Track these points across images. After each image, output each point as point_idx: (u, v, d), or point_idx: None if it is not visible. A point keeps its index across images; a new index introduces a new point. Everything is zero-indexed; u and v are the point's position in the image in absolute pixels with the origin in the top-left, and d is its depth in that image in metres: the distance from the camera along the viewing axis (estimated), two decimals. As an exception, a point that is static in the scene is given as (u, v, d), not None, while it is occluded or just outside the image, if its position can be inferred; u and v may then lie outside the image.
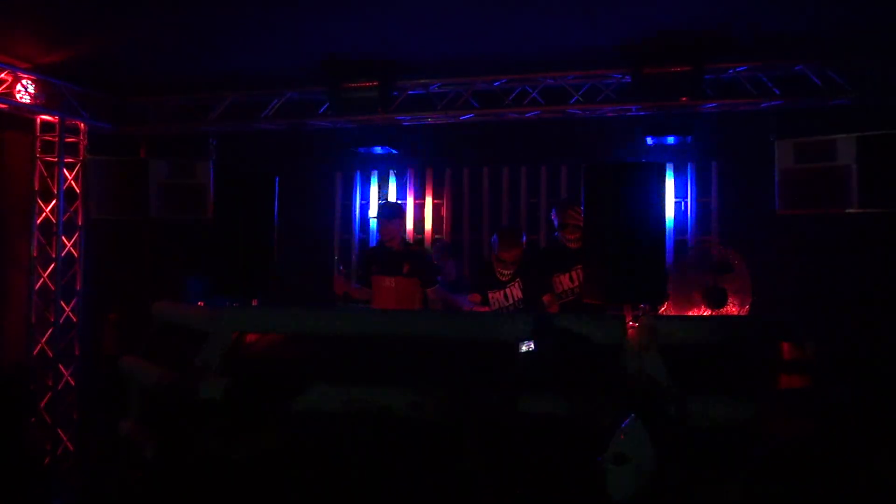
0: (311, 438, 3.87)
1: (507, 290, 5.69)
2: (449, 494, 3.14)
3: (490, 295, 5.72)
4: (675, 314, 4.81)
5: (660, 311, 4.71)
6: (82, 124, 7.60)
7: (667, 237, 5.53)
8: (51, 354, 7.37)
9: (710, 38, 6.12)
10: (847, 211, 6.07)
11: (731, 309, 4.77)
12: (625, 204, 4.55)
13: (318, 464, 3.63)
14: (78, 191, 7.65)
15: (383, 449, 3.37)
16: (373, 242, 7.72)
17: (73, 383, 7.53)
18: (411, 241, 6.39)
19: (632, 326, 4.35)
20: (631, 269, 4.41)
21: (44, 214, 7.40)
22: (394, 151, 7.66)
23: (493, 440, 3.22)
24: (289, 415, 4.02)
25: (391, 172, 8.00)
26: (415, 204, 7.92)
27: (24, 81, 6.83)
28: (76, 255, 7.62)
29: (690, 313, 4.79)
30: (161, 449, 4.12)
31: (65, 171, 7.52)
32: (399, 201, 7.76)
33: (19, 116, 7.17)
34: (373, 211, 7.89)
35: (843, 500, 3.71)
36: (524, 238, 5.97)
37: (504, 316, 5.22)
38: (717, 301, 4.65)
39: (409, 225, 7.82)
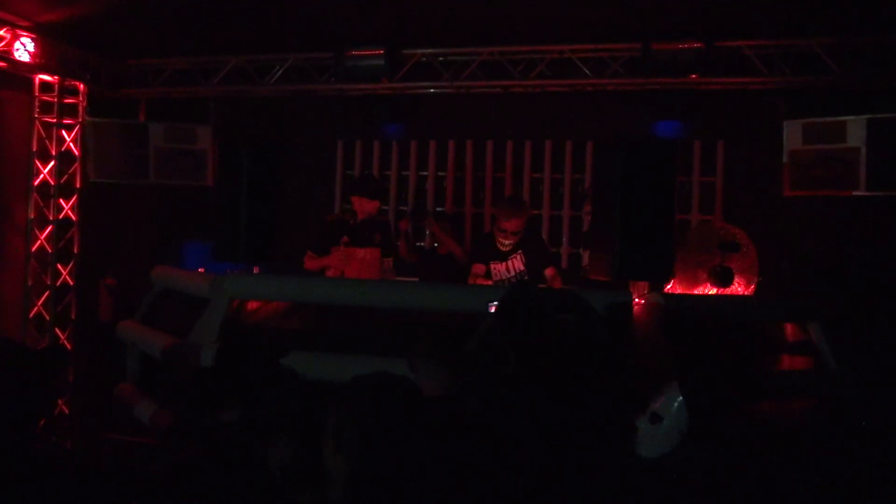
0: (311, 407, 3.83)
1: (509, 262, 5.64)
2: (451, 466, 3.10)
3: (492, 266, 5.67)
4: (681, 292, 4.79)
5: (666, 289, 4.69)
6: (82, 85, 7.48)
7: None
8: (47, 317, 7.32)
9: (721, 15, 6.05)
10: (854, 193, 6.03)
11: (737, 288, 4.74)
12: (633, 181, 4.51)
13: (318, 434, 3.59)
14: (76, 153, 7.54)
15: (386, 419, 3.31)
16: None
17: (69, 347, 7.47)
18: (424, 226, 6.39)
19: (638, 303, 4.34)
20: (638, 246, 4.38)
21: (41, 176, 7.31)
22: (397, 121, 7.59)
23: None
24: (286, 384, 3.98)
25: (393, 143, 7.92)
26: (417, 175, 7.85)
27: (23, 39, 6.69)
28: (74, 217, 7.54)
29: (696, 292, 4.77)
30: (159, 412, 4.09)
31: (63, 132, 7.42)
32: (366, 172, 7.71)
33: (18, 75, 7.03)
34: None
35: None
36: (526, 209, 5.88)
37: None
38: (723, 280, 4.62)
39: (410, 197, 7.78)
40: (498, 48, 6.91)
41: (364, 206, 5.69)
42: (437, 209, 7.77)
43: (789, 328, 4.76)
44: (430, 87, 7.24)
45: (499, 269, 5.67)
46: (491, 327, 3.14)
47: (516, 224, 5.48)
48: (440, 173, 7.81)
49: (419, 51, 7.05)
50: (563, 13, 6.18)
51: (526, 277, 5.59)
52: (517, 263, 5.62)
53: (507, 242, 5.54)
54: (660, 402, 2.66)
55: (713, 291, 4.74)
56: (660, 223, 4.39)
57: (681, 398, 2.63)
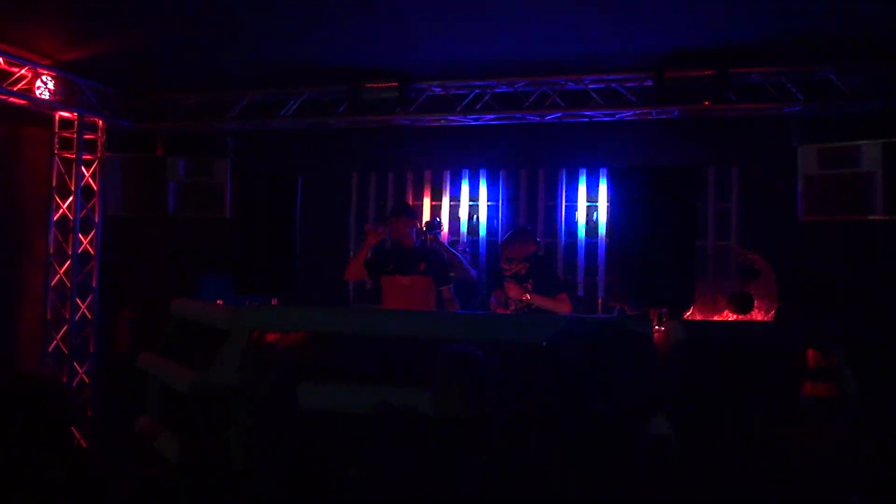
0: (333, 438, 3.84)
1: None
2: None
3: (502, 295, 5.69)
4: (701, 319, 4.77)
5: (685, 316, 4.68)
6: (100, 121, 7.60)
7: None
8: (66, 351, 7.36)
9: (734, 43, 6.10)
10: (871, 217, 6.02)
11: (757, 314, 4.73)
12: (651, 207, 4.53)
13: (338, 464, 3.60)
14: (95, 188, 7.64)
15: (407, 448, 3.31)
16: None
17: (87, 381, 7.51)
18: (425, 239, 6.35)
19: (658, 330, 4.33)
20: (657, 272, 4.38)
21: (61, 211, 7.40)
22: (412, 152, 7.65)
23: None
24: (310, 414, 4.00)
25: (408, 174, 7.97)
26: (431, 206, 7.89)
27: (43, 77, 6.83)
28: (92, 252, 7.61)
29: (716, 318, 4.76)
30: (183, 447, 4.09)
31: (82, 167, 7.52)
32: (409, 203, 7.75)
33: (38, 112, 7.17)
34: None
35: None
36: (529, 238, 5.89)
37: (531, 318, 5.16)
38: (743, 306, 4.61)
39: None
40: (510, 79, 6.98)
41: (401, 228, 5.74)
42: (452, 238, 7.79)
43: (810, 354, 4.73)
44: (444, 119, 7.32)
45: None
46: (545, 364, 3.14)
47: (512, 251, 5.53)
48: (454, 203, 7.84)
49: (432, 83, 7.13)
50: (575, 43, 6.25)
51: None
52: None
53: (507, 267, 5.58)
54: None
55: (733, 318, 4.73)
56: (679, 250, 4.39)
57: None
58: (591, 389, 3.02)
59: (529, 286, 5.58)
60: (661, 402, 3.09)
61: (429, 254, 5.96)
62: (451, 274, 6.02)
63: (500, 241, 5.82)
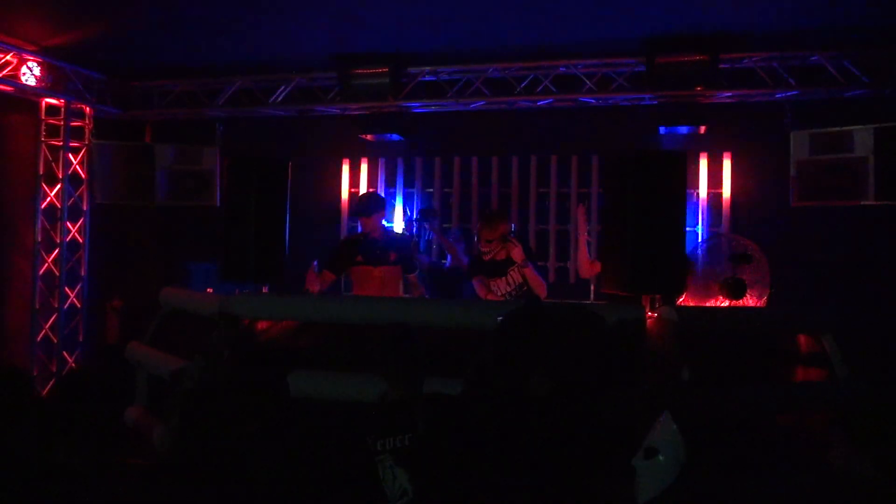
0: (327, 426, 3.81)
1: (509, 276, 5.63)
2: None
3: (492, 282, 5.67)
4: (694, 305, 4.76)
5: (678, 302, 4.66)
6: (88, 108, 7.52)
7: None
8: (55, 340, 7.31)
9: (726, 28, 6.07)
10: (863, 203, 6.01)
11: (750, 300, 4.71)
12: (643, 194, 4.49)
13: (332, 454, 3.57)
14: (83, 175, 7.57)
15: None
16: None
17: (76, 370, 7.46)
18: (392, 228, 6.34)
19: (651, 317, 4.31)
20: (650, 259, 4.36)
21: (48, 199, 7.32)
22: (402, 139, 7.60)
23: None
24: (300, 402, 3.97)
25: (399, 160, 7.92)
26: (423, 193, 7.84)
27: (29, 64, 6.74)
28: (81, 240, 7.55)
29: (708, 304, 4.74)
30: (172, 435, 4.06)
31: (70, 155, 7.44)
32: (371, 190, 7.69)
33: (24, 99, 7.08)
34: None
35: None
36: (503, 218, 5.87)
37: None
38: (736, 292, 4.60)
39: (415, 214, 7.73)
40: (502, 65, 6.93)
41: (370, 224, 5.77)
42: (445, 226, 7.74)
43: (802, 339, 4.73)
44: (435, 105, 7.27)
45: (499, 284, 5.66)
46: (491, 342, 3.09)
47: (488, 233, 5.53)
48: (446, 190, 7.80)
49: (423, 69, 7.07)
50: (567, 28, 6.21)
51: (525, 289, 5.58)
52: (516, 277, 5.61)
53: (486, 250, 5.58)
54: (653, 434, 2.48)
55: (726, 304, 4.72)
56: (671, 236, 4.37)
57: (674, 427, 2.49)
58: (532, 368, 2.97)
59: (516, 273, 5.56)
60: (616, 387, 3.05)
61: (398, 243, 5.99)
62: (417, 260, 6.08)
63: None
